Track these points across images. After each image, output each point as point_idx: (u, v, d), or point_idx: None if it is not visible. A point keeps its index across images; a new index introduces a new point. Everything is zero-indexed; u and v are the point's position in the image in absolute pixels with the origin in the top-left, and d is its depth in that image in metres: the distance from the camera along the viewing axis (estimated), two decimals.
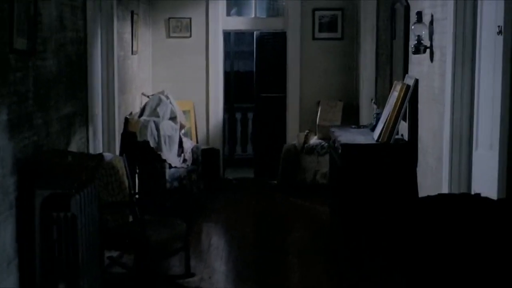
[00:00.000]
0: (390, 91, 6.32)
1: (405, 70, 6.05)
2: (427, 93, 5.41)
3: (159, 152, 7.56)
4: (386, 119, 5.78)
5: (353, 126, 6.81)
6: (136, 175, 7.23)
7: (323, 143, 8.75)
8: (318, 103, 9.12)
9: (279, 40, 9.55)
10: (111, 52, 7.02)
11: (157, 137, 7.55)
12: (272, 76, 9.69)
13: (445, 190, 4.84)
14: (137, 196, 5.84)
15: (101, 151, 6.53)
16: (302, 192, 8.63)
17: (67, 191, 4.30)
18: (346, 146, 5.87)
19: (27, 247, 4.28)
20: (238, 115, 11.96)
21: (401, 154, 5.76)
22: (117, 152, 6.99)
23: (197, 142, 9.25)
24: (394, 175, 5.80)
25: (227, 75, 11.84)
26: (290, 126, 9.45)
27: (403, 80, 6.01)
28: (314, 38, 9.32)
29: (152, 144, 7.50)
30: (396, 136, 5.92)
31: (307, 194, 8.50)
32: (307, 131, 9.00)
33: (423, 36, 5.22)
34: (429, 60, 5.26)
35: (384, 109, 6.10)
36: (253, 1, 9.60)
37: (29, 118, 4.44)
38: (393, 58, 6.64)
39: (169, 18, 9.29)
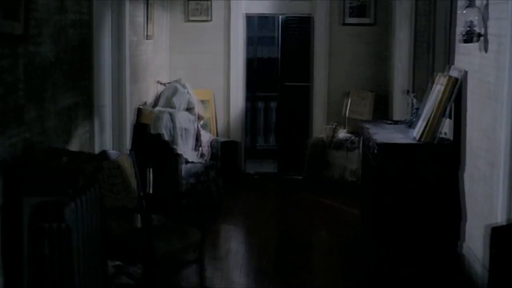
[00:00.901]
0: (430, 83, 5.65)
1: (450, 61, 5.36)
2: (479, 89, 4.71)
3: (174, 146, 6.93)
4: (430, 115, 5.10)
5: (389, 122, 6.12)
6: (149, 171, 6.62)
7: (352, 138, 8.09)
8: (347, 94, 8.44)
9: (306, 25, 8.87)
10: (122, 36, 6.39)
11: (172, 129, 6.93)
12: (297, 64, 9.01)
13: (500, 201, 4.17)
14: (146, 198, 5.20)
15: (108, 146, 5.92)
16: (329, 190, 7.99)
17: (61, 198, 3.68)
18: (383, 146, 5.19)
19: (14, 263, 3.68)
20: (261, 105, 11.33)
21: (445, 156, 5.08)
22: (128, 146, 6.38)
23: (216, 134, 8.62)
24: (436, 179, 5.12)
25: (249, 62, 11.16)
26: (316, 118, 8.78)
27: (447, 71, 5.32)
28: (343, 24, 8.63)
29: (166, 137, 6.88)
30: (439, 135, 5.23)
31: (334, 193, 7.85)
32: (334, 124, 8.34)
33: (475, 22, 4.52)
34: (482, 50, 4.56)
35: (425, 103, 5.42)
36: None
37: (18, 112, 3.81)
38: (435, 47, 5.94)
39: (188, 0, 8.63)
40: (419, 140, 5.16)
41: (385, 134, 5.53)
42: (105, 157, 4.72)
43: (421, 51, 6.66)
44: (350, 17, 8.61)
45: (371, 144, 5.53)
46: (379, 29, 8.60)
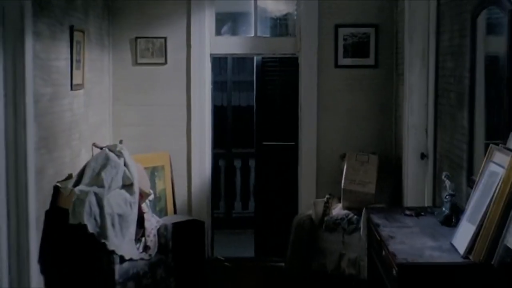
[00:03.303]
0: (475, 154, 3.72)
1: (510, 122, 3.41)
2: None
3: (103, 240, 4.92)
4: (483, 217, 3.10)
5: (408, 212, 4.10)
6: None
7: (350, 216, 6.10)
8: (343, 157, 6.46)
9: (289, 68, 6.95)
10: (20, 89, 4.42)
11: (100, 217, 4.92)
12: (279, 117, 7.07)
13: None
14: None
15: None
16: (322, 285, 6.01)
17: None
18: (408, 269, 3.18)
19: None
20: (238, 163, 9.41)
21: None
22: (34, 248, 4.39)
23: (174, 211, 6.60)
24: None
25: (223, 112, 9.34)
26: (303, 188, 6.78)
27: (506, 140, 3.36)
28: (336, 66, 6.69)
29: (91, 228, 4.87)
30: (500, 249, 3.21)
31: None
32: (327, 196, 6.35)
33: None
34: None
35: (473, 192, 3.44)
36: (253, 15, 6.94)
37: None
38: (475, 98, 4.00)
39: (137, 37, 6.69)
40: (466, 257, 3.16)
41: (406, 239, 3.52)
42: None
43: (446, 103, 4.71)
44: (345, 57, 6.67)
45: (384, 254, 3.53)
46: (382, 72, 6.68)
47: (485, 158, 3.41)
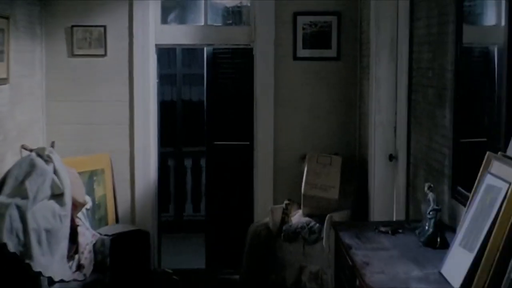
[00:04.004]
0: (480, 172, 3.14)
1: (508, 128, 2.82)
2: None
3: (27, 261, 4.22)
4: (484, 246, 2.50)
5: (383, 229, 3.47)
6: None
7: (312, 224, 5.51)
8: (303, 158, 5.85)
9: (243, 60, 6.31)
10: None
11: (23, 233, 4.22)
12: (232, 114, 6.43)
13: None
14: None
15: None
16: None
17: None
18: None
19: None
20: (188, 162, 8.75)
21: None
22: None
23: (117, 219, 5.92)
24: None
25: (172, 108, 8.64)
26: (259, 193, 6.15)
27: (506, 147, 2.78)
28: (295, 58, 6.07)
29: (12, 247, 4.17)
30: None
31: None
32: (286, 202, 5.73)
33: None
34: None
35: (467, 210, 2.84)
36: (203, 2, 6.27)
37: None
38: (459, 95, 3.42)
39: (73, 26, 5.98)
40: None
41: (385, 267, 2.90)
42: None
43: (422, 99, 4.13)
44: (304, 48, 6.05)
45: (358, 284, 2.92)
46: (346, 65, 6.08)
47: (481, 168, 2.81)
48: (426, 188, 3.30)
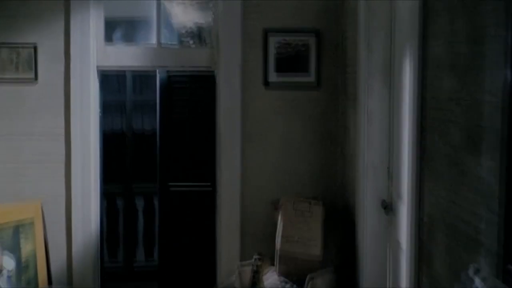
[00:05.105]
0: None
1: None
2: None
3: None
4: None
5: None
6: None
7: (288, 286, 4.49)
8: (276, 205, 4.85)
9: (203, 87, 5.31)
10: None
11: None
12: (190, 151, 5.40)
13: None
14: None
15: None
16: None
17: None
18: None
19: None
20: (140, 202, 7.68)
21: None
22: None
23: (49, 281, 4.83)
24: None
25: (122, 139, 7.57)
26: (223, 246, 5.12)
27: None
28: (266, 84, 5.09)
29: None
30: None
31: None
32: (256, 257, 4.72)
33: None
34: None
35: None
36: (155, 20, 5.24)
37: None
38: (505, 135, 2.45)
39: None
40: None
41: None
42: None
43: (442, 140, 3.15)
44: (277, 72, 5.07)
45: None
46: (326, 93, 5.12)
47: None
48: (472, 273, 2.31)
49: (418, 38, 3.42)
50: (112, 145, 6.99)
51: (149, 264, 7.53)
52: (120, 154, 7.52)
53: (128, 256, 7.67)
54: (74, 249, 5.05)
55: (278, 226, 4.63)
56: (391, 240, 4.23)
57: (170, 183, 5.47)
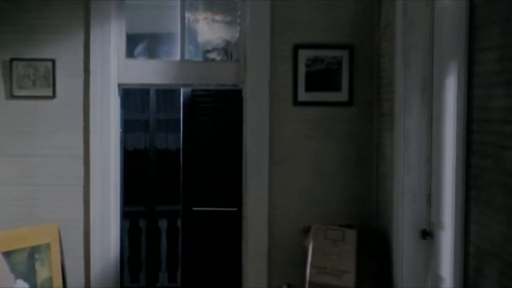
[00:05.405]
0: None
1: None
2: None
3: None
4: None
5: None
6: None
7: None
8: (307, 232, 4.54)
9: (229, 105, 5.04)
10: None
11: None
12: (215, 173, 5.12)
13: None
14: None
15: None
16: None
17: None
18: None
19: None
20: (163, 223, 7.43)
21: None
22: None
23: None
24: None
25: (145, 158, 7.34)
26: (249, 275, 4.81)
27: None
28: (296, 103, 4.79)
29: None
30: None
31: None
32: None
33: None
34: None
35: None
36: (179, 32, 4.98)
37: None
38: None
39: (12, 59, 4.68)
40: None
41: None
42: None
43: (495, 167, 2.84)
44: (308, 90, 4.78)
45: None
46: (359, 112, 4.82)
47: None
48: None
49: (464, 53, 3.11)
50: (134, 164, 6.79)
51: None
52: (143, 175, 7.29)
53: (151, 279, 7.42)
54: (92, 274, 4.79)
55: (309, 255, 4.32)
56: (431, 273, 3.92)
57: (194, 208, 5.20)
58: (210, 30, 5.33)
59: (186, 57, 4.94)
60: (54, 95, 4.71)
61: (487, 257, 2.87)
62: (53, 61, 4.69)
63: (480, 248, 2.95)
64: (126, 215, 6.09)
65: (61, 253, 4.65)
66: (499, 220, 2.75)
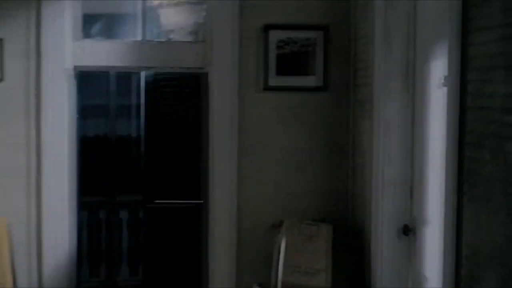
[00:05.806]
0: None
1: None
2: None
3: None
4: None
5: None
6: None
7: None
8: (278, 227, 4.23)
9: (194, 90, 4.67)
10: None
11: None
12: (178, 164, 4.77)
13: None
14: None
15: None
16: None
17: None
18: None
19: None
20: (124, 214, 7.04)
21: None
22: None
23: None
24: None
25: (104, 145, 6.95)
26: (216, 274, 4.48)
27: None
28: (266, 87, 4.46)
29: None
30: None
31: None
32: None
33: None
34: None
35: None
36: (140, 8, 4.60)
37: None
38: None
39: None
40: None
41: None
42: None
43: (492, 159, 2.54)
44: (279, 74, 4.44)
45: None
46: (334, 98, 4.50)
47: None
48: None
49: (456, 33, 2.79)
50: (93, 152, 6.43)
51: (134, 283, 6.96)
52: (102, 163, 6.92)
53: (111, 273, 7.09)
54: (45, 271, 4.42)
55: (281, 253, 4.01)
56: (413, 272, 3.64)
57: (156, 201, 4.87)
58: (174, 10, 4.97)
59: (148, 36, 4.58)
60: (1, 78, 4.32)
61: (484, 261, 2.57)
62: (0, 40, 4.29)
63: (476, 250, 2.65)
64: (84, 206, 5.73)
65: (10, 250, 4.28)
66: (498, 220, 2.45)
